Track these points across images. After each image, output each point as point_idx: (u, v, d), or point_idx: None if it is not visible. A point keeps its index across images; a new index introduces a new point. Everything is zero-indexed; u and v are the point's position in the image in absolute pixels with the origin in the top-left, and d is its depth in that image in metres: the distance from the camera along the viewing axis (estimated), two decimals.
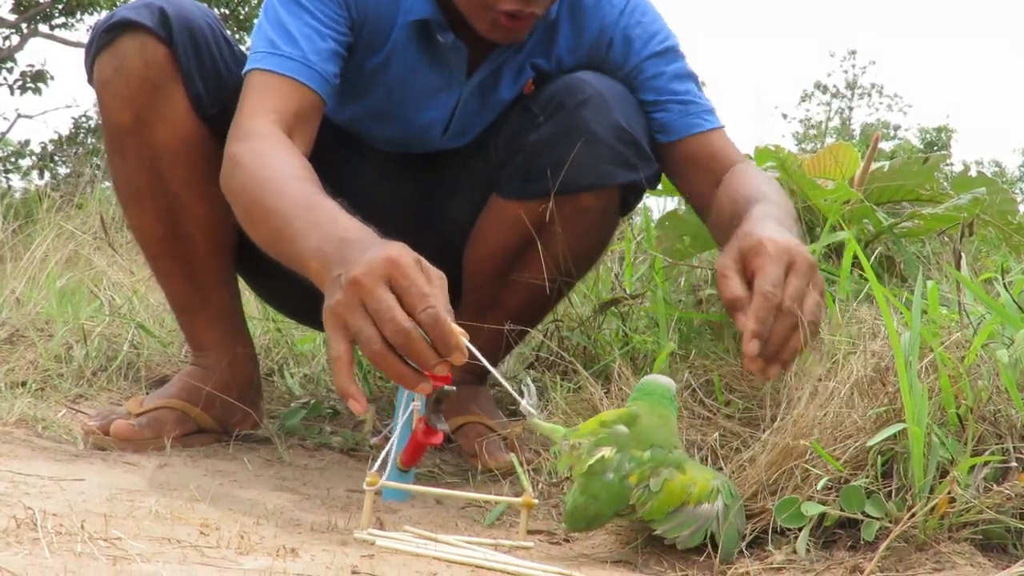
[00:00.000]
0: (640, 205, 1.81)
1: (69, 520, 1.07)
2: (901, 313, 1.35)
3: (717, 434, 1.38)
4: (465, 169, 1.75)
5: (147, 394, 1.83)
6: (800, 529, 1.13)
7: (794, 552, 1.12)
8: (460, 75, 1.66)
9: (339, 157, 1.73)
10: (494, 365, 1.78)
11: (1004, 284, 1.34)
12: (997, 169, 26.34)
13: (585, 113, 1.57)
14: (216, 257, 1.70)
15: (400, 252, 1.14)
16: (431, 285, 1.14)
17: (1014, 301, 1.30)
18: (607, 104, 1.58)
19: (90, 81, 1.61)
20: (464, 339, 1.14)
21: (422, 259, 1.16)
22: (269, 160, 1.39)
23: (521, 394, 1.26)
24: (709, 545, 1.13)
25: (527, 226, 1.61)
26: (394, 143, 1.76)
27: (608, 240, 1.76)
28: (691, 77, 1.70)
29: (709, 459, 1.35)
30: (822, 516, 1.12)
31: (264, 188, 1.35)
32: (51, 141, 11.69)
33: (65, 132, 11.83)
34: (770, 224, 1.33)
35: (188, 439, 1.66)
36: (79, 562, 0.93)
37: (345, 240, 1.20)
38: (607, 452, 1.14)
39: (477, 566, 1.08)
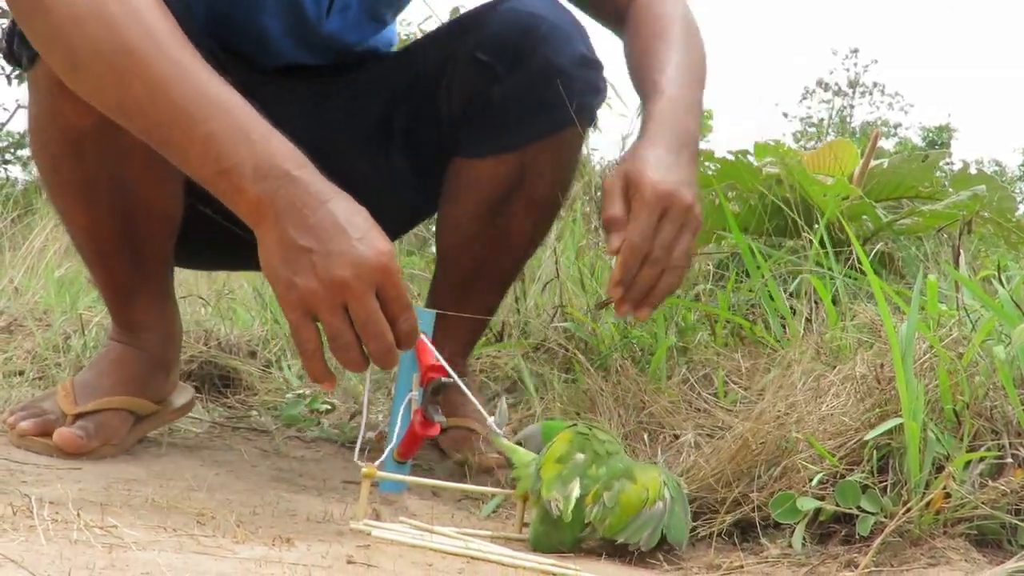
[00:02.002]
0: None
1: (65, 508, 1.07)
2: (900, 309, 1.35)
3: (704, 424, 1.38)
4: (425, 127, 1.63)
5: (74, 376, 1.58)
6: (795, 524, 1.13)
7: (789, 546, 1.12)
8: None
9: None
10: (480, 335, 1.80)
11: (1001, 282, 1.34)
12: (997, 168, 26.33)
13: (547, 51, 1.51)
14: (168, 241, 1.52)
15: (391, 255, 1.09)
16: (403, 284, 1.12)
17: (1011, 299, 1.30)
18: (566, 34, 1.53)
19: (23, 70, 1.36)
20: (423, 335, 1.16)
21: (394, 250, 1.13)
22: (152, 5, 1.12)
23: (492, 412, 1.27)
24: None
25: (505, 179, 1.57)
26: (273, 41, 1.54)
27: (578, 163, 1.70)
28: None
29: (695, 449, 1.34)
30: (817, 511, 1.13)
31: (154, 40, 1.10)
32: None
33: None
34: (659, 151, 1.32)
35: (133, 435, 1.50)
36: (75, 549, 0.93)
37: (291, 178, 1.08)
38: (575, 492, 1.12)
39: (472, 558, 1.09)
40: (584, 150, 1.72)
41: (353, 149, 1.64)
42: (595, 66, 1.56)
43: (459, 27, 1.63)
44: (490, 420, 1.24)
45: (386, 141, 1.66)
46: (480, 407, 1.27)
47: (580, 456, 1.15)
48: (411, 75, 1.64)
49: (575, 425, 1.22)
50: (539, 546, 1.15)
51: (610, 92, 1.68)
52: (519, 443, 1.28)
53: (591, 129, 1.66)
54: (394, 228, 1.61)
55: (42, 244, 3.03)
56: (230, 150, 1.08)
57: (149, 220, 1.46)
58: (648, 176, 1.28)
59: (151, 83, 1.09)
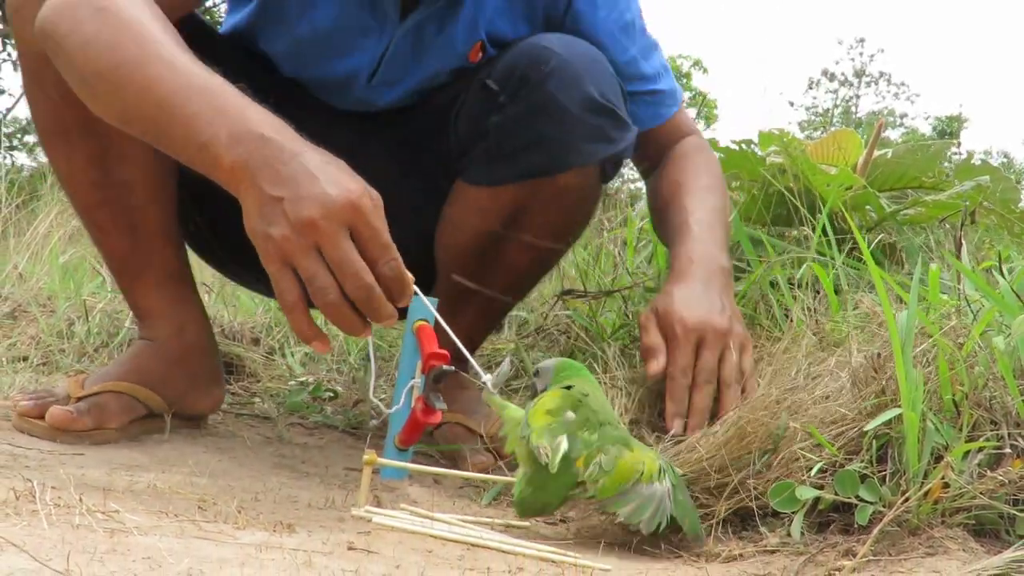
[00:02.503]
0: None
1: (68, 493, 1.08)
2: (902, 299, 1.35)
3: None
4: (430, 154, 1.62)
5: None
6: (794, 513, 1.13)
7: (788, 535, 1.12)
8: (393, 16, 1.52)
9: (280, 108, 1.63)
10: (472, 351, 1.76)
11: (1002, 272, 1.35)
12: (1005, 160, 26.29)
13: (552, 86, 1.43)
14: (156, 206, 1.49)
15: (359, 193, 1.07)
16: (384, 225, 1.08)
17: (1012, 290, 1.31)
18: (576, 73, 1.44)
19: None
20: (413, 286, 1.11)
21: (368, 186, 1.09)
22: (147, 18, 1.19)
23: (492, 370, 1.26)
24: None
25: (500, 212, 1.52)
26: (317, 89, 1.61)
27: (590, 215, 1.64)
28: (655, 48, 1.66)
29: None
30: (815, 500, 1.13)
31: (144, 49, 1.15)
32: None
33: None
34: (687, 286, 1.43)
35: (136, 426, 1.49)
36: (77, 534, 0.94)
37: (265, 139, 1.09)
38: (563, 445, 1.11)
39: (472, 544, 1.09)
40: (597, 204, 1.64)
41: (416, 180, 1.65)
42: (607, 113, 1.47)
43: (490, 59, 1.58)
44: (485, 376, 1.22)
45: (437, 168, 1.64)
46: (476, 366, 1.25)
47: (570, 415, 1.15)
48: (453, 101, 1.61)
49: (585, 373, 1.24)
50: (525, 509, 1.14)
51: None
52: (536, 373, 1.28)
53: (601, 181, 1.57)
54: None
55: (47, 230, 3.03)
56: (205, 125, 1.10)
57: (129, 171, 1.45)
58: (677, 311, 1.39)
59: (142, 86, 1.14)
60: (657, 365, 1.38)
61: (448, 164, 1.58)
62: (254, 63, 1.60)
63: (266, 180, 1.07)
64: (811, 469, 1.14)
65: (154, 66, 1.14)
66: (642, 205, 2.18)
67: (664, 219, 1.61)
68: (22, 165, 9.50)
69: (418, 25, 1.54)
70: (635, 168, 1.80)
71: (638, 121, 1.58)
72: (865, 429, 1.13)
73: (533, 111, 1.45)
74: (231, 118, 1.10)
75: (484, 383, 1.24)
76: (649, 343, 1.40)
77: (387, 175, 1.63)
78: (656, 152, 1.68)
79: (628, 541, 1.14)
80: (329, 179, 1.07)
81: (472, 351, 1.77)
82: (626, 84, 1.55)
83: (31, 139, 12.04)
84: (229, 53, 1.55)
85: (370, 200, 1.08)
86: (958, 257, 1.65)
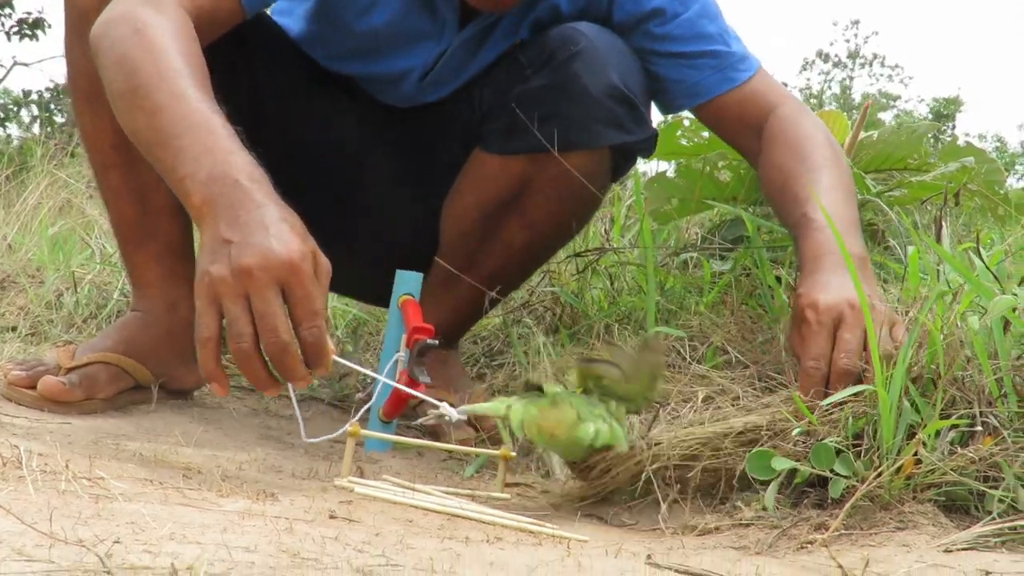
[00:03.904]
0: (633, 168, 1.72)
1: (54, 460, 1.09)
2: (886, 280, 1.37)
3: (705, 387, 1.39)
4: (452, 124, 1.66)
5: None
6: (770, 481, 1.15)
7: (763, 509, 1.14)
8: (452, 22, 1.57)
9: (327, 98, 1.67)
10: (465, 330, 1.79)
11: (980, 253, 1.36)
12: (999, 144, 26.32)
13: (577, 67, 1.47)
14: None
15: (301, 255, 1.07)
16: (320, 292, 1.09)
17: (989, 270, 1.32)
18: (601, 58, 1.48)
19: None
20: (334, 355, 1.11)
21: (317, 253, 1.10)
22: (174, 49, 1.24)
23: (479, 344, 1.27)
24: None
25: (507, 184, 1.56)
26: (366, 84, 1.67)
27: (594, 207, 1.65)
28: (717, 14, 1.58)
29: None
30: (792, 473, 1.15)
31: (161, 78, 1.21)
32: (47, 89, 11.61)
33: (62, 81, 11.75)
34: (818, 276, 1.29)
35: (123, 397, 1.52)
36: (62, 499, 0.95)
37: (238, 185, 1.11)
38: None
39: (452, 515, 1.11)
40: (602, 198, 1.63)
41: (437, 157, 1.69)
42: (627, 103, 1.50)
43: (523, 40, 1.61)
44: (449, 410, 1.22)
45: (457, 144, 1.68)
46: (434, 401, 1.24)
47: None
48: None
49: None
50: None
51: None
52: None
53: (611, 174, 1.59)
54: None
55: (36, 201, 3.04)
56: (190, 160, 1.14)
57: None
58: (809, 301, 1.25)
59: (150, 112, 1.20)
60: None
61: (467, 137, 1.61)
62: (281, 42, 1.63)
63: (224, 222, 1.09)
64: (792, 432, 1.15)
65: (162, 95, 1.19)
66: (632, 183, 2.19)
67: (781, 214, 1.48)
68: (10, 136, 9.47)
69: (474, 34, 1.58)
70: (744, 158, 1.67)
71: (704, 88, 1.55)
72: (822, 403, 1.15)
73: (555, 87, 1.48)
74: (214, 159, 1.14)
75: (450, 417, 1.23)
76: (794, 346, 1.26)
77: (406, 149, 1.69)
78: (743, 127, 1.57)
79: (606, 514, 1.16)
80: (279, 235, 1.08)
81: (464, 331, 1.79)
82: (684, 44, 1.54)
83: (25, 113, 11.98)
84: (260, 38, 1.58)
85: (311, 264, 1.08)
86: (938, 238, 1.67)
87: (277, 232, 1.08)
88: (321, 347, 1.08)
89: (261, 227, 1.08)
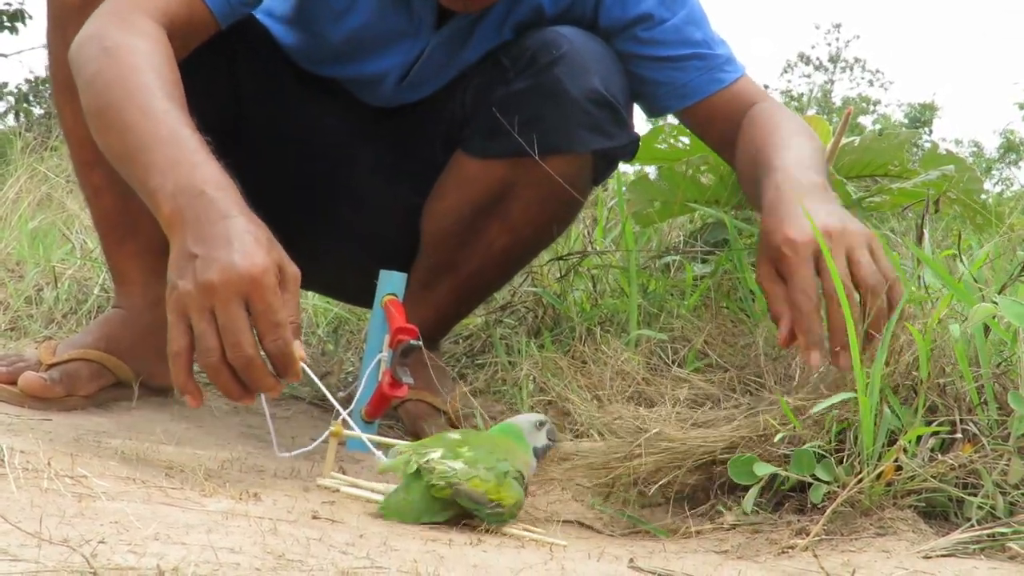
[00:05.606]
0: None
1: (36, 457, 1.09)
2: None
3: (686, 390, 1.39)
4: (436, 124, 1.64)
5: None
6: (750, 488, 1.15)
7: (744, 514, 1.14)
8: (429, 22, 1.55)
9: (310, 97, 1.65)
10: (447, 330, 1.79)
11: (961, 260, 1.37)
12: (975, 149, 26.48)
13: (559, 71, 1.47)
14: None
15: (263, 269, 1.08)
16: (286, 302, 1.10)
17: (972, 277, 1.33)
18: (584, 63, 1.48)
19: None
20: (304, 364, 1.12)
21: (284, 263, 1.12)
22: (144, 65, 1.25)
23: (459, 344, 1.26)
24: None
25: (488, 187, 1.56)
26: (348, 85, 1.66)
27: (575, 211, 1.66)
28: (703, 20, 1.58)
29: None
30: (773, 477, 1.15)
31: (130, 96, 1.22)
32: (26, 81, 11.54)
33: (41, 73, 11.67)
34: (787, 203, 1.25)
35: (104, 394, 1.50)
36: (45, 498, 0.95)
37: (204, 196, 1.13)
38: (435, 455, 1.09)
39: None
40: (584, 202, 1.63)
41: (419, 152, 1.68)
42: (609, 108, 1.50)
43: (507, 41, 1.60)
44: (344, 414, 1.24)
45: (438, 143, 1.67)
46: (378, 454, 1.23)
47: (453, 435, 1.16)
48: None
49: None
50: (389, 511, 1.10)
51: None
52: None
53: (592, 179, 1.59)
54: None
55: (16, 195, 3.02)
56: (158, 174, 1.16)
57: None
58: (785, 234, 1.20)
59: (121, 129, 1.22)
60: (785, 328, 1.19)
61: (450, 137, 1.61)
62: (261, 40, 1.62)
63: (191, 235, 1.12)
64: (775, 437, 1.16)
65: (131, 113, 1.21)
66: (614, 185, 2.19)
67: (751, 180, 1.44)
68: None
69: (453, 33, 1.57)
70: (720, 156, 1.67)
71: (693, 90, 1.55)
72: (812, 411, 1.15)
73: (536, 91, 1.49)
74: (181, 172, 1.15)
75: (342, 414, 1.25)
76: (776, 312, 1.21)
77: (388, 148, 1.68)
78: (727, 127, 1.56)
79: (586, 519, 1.16)
80: (242, 248, 1.09)
81: (444, 332, 1.79)
82: (671, 49, 1.54)
83: (1, 104, 11.89)
84: (242, 37, 1.56)
85: (274, 276, 1.10)
86: (919, 245, 1.68)
87: (240, 245, 1.09)
88: (287, 357, 1.10)
89: (225, 241, 1.10)
